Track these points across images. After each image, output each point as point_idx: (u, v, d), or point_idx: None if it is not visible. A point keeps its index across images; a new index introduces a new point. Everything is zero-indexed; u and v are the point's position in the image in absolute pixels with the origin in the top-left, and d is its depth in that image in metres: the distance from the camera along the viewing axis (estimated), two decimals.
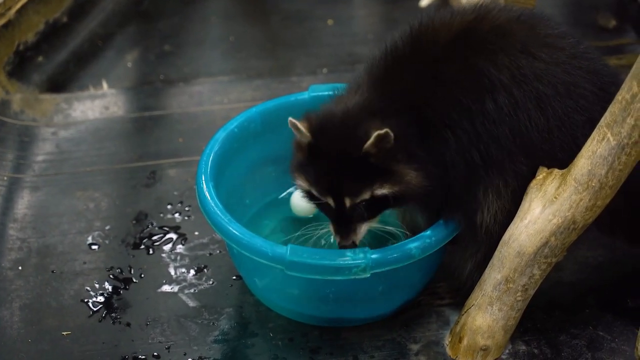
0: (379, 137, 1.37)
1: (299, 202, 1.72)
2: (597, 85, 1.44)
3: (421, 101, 1.43)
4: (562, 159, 1.42)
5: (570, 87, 1.42)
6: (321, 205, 1.49)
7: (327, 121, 1.45)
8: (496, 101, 1.41)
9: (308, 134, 1.43)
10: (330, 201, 1.45)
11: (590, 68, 1.45)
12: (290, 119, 1.45)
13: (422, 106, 1.43)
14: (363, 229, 1.48)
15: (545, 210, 1.40)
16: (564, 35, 1.46)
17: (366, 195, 1.43)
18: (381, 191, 1.43)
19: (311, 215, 1.75)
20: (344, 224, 1.47)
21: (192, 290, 1.68)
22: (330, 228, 1.50)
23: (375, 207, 1.46)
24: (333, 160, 1.43)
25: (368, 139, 1.37)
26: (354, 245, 1.48)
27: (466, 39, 1.43)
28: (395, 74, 1.46)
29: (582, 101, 1.42)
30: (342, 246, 1.48)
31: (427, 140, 1.44)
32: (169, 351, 1.57)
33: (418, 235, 1.48)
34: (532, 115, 1.41)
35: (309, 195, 1.50)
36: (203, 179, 1.59)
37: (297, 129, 1.44)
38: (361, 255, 1.43)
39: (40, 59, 2.34)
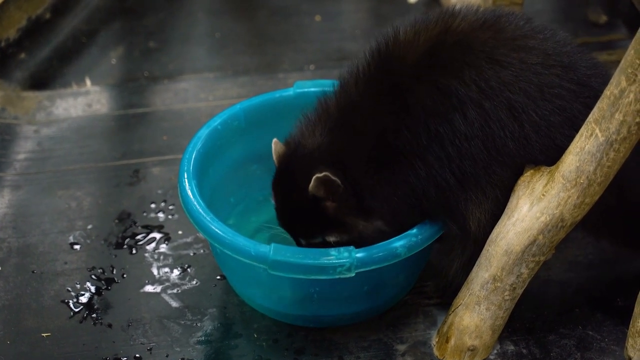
0: (317, 180, 1.39)
1: None
2: (574, 81, 1.40)
3: (389, 131, 1.41)
4: (543, 161, 1.40)
5: (544, 89, 1.39)
6: None
7: (291, 156, 1.48)
8: (466, 117, 1.38)
9: (276, 163, 1.50)
10: (288, 234, 1.50)
11: (566, 63, 1.41)
12: (274, 140, 1.51)
13: (390, 136, 1.41)
14: None
15: (533, 207, 1.38)
16: (534, 32, 1.42)
17: (318, 240, 1.47)
18: (333, 239, 1.46)
19: None
20: None
21: (175, 291, 1.66)
22: None
23: (334, 243, 1.48)
24: (288, 199, 1.48)
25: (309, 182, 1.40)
26: None
27: (432, 57, 1.40)
28: (364, 102, 1.44)
29: (558, 101, 1.39)
30: None
31: (394, 172, 1.42)
32: (150, 353, 1.54)
33: (404, 234, 1.45)
34: (505, 124, 1.38)
35: None
36: (185, 177, 1.56)
37: (273, 151, 1.51)
38: (346, 254, 1.41)
39: (22, 55, 2.31)
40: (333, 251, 1.41)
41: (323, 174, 1.39)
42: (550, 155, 1.38)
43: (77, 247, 1.76)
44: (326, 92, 1.50)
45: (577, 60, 1.43)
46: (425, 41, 1.41)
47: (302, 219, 1.47)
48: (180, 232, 1.78)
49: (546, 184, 1.37)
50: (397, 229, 1.46)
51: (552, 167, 1.38)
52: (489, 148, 1.39)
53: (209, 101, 2.18)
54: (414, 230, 1.46)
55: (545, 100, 1.38)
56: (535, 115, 1.38)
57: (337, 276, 1.41)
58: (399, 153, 1.41)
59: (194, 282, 1.68)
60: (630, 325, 1.39)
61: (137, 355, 1.53)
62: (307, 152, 1.46)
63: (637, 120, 1.26)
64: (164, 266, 1.71)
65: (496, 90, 1.37)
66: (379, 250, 1.43)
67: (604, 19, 2.44)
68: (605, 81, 1.29)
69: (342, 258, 1.40)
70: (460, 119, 1.38)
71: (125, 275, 1.69)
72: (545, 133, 1.39)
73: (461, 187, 1.41)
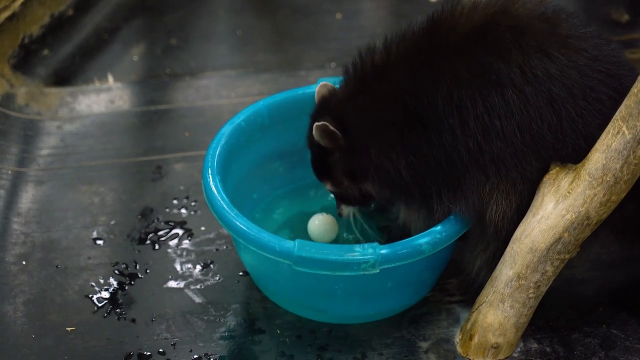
0: (317, 128, 1.46)
1: (315, 229, 1.71)
2: (617, 91, 1.39)
3: (410, 94, 1.42)
4: (573, 160, 1.39)
5: (587, 90, 1.38)
6: None
7: (319, 106, 1.58)
8: (503, 95, 1.37)
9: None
10: None
11: (612, 72, 1.40)
12: (321, 83, 1.58)
13: (409, 99, 1.42)
14: (344, 207, 1.66)
15: (559, 205, 1.37)
16: (587, 36, 1.42)
17: (328, 187, 1.60)
18: (331, 189, 1.59)
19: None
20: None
21: (198, 286, 1.66)
22: None
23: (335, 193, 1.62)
24: (312, 143, 1.57)
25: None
26: (340, 215, 1.67)
27: (482, 32, 1.40)
28: (397, 62, 1.46)
29: (598, 105, 1.38)
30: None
31: (405, 136, 1.43)
32: (174, 348, 1.54)
33: (428, 231, 1.45)
34: (543, 113, 1.37)
35: None
36: (210, 172, 1.57)
37: (316, 92, 1.60)
38: (370, 250, 1.41)
39: (45, 52, 2.32)
40: (357, 247, 1.41)
41: (321, 122, 1.46)
42: (580, 156, 1.37)
43: (100, 242, 1.77)
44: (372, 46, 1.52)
45: (623, 71, 1.42)
46: (480, 18, 1.41)
47: (315, 164, 1.59)
48: (202, 228, 1.79)
49: (572, 182, 1.37)
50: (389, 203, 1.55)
51: (577, 165, 1.38)
52: (524, 134, 1.37)
53: (231, 98, 2.18)
54: (439, 227, 1.46)
55: (585, 101, 1.38)
56: (573, 112, 1.37)
57: (362, 272, 1.41)
58: (415, 117, 1.42)
59: (217, 278, 1.68)
60: None
61: (161, 350, 1.54)
62: (328, 101, 1.54)
63: None
64: (187, 262, 1.71)
65: (540, 79, 1.37)
66: (403, 246, 1.43)
67: (626, 17, 2.43)
68: None
69: (367, 254, 1.40)
70: (496, 95, 1.37)
71: (148, 271, 1.70)
72: (581, 132, 1.38)
73: (480, 167, 1.40)
